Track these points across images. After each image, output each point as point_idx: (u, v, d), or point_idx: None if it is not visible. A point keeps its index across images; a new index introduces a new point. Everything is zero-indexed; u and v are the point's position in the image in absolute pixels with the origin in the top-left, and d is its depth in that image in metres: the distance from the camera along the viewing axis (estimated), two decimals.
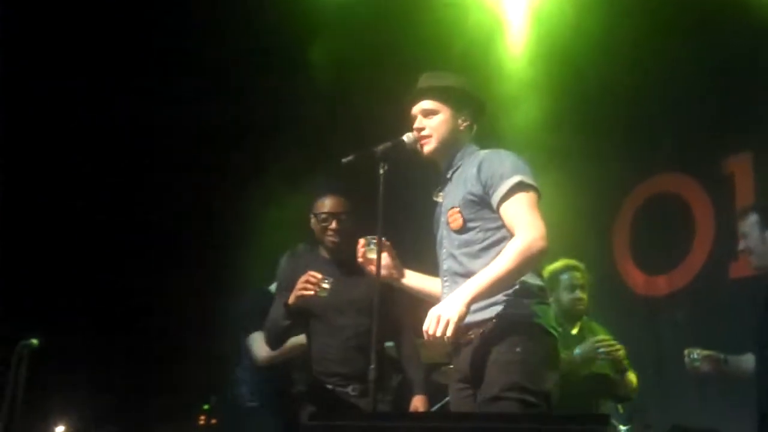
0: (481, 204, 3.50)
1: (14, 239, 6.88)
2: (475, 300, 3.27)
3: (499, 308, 3.41)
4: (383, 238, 3.69)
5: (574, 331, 4.92)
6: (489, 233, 3.49)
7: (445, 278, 3.62)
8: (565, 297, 4.97)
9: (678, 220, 6.72)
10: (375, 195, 3.60)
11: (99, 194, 7.44)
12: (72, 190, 7.33)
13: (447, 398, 4.28)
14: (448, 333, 3.20)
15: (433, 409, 4.55)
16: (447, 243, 3.63)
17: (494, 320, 3.40)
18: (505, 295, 3.41)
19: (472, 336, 3.44)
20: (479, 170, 3.53)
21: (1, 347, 5.37)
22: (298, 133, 7.58)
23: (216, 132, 7.55)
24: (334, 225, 4.54)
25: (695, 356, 4.52)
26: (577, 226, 6.59)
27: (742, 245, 4.67)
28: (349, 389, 4.39)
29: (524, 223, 3.38)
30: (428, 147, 3.70)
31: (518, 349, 3.33)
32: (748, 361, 4.55)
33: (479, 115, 3.80)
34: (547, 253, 3.38)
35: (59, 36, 6.96)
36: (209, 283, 7.32)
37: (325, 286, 4.24)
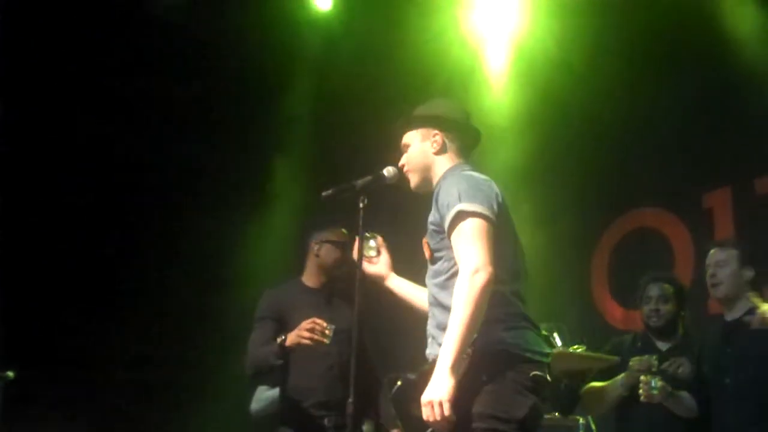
0: (443, 232, 3.43)
1: None
2: (454, 366, 3.17)
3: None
4: (378, 236, 3.76)
5: None
6: (452, 262, 3.39)
7: (429, 308, 3.59)
8: None
9: (657, 254, 6.73)
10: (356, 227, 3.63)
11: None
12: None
13: None
14: (446, 413, 3.14)
15: None
16: (426, 274, 3.61)
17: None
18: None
19: None
20: (436, 199, 3.49)
21: None
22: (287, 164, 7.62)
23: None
24: (340, 255, 4.62)
25: (653, 384, 4.52)
26: (557, 260, 6.63)
27: (713, 272, 4.70)
28: (326, 421, 4.38)
29: (462, 259, 3.29)
30: (411, 181, 3.69)
31: (484, 378, 3.26)
32: (684, 398, 4.63)
33: (461, 133, 3.69)
34: (491, 281, 3.23)
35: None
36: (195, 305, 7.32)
37: (328, 332, 4.25)
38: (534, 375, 3.31)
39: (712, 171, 6.43)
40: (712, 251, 4.78)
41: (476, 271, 3.23)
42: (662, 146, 6.59)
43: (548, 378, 3.40)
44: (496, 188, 3.48)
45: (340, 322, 4.44)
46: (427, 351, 3.50)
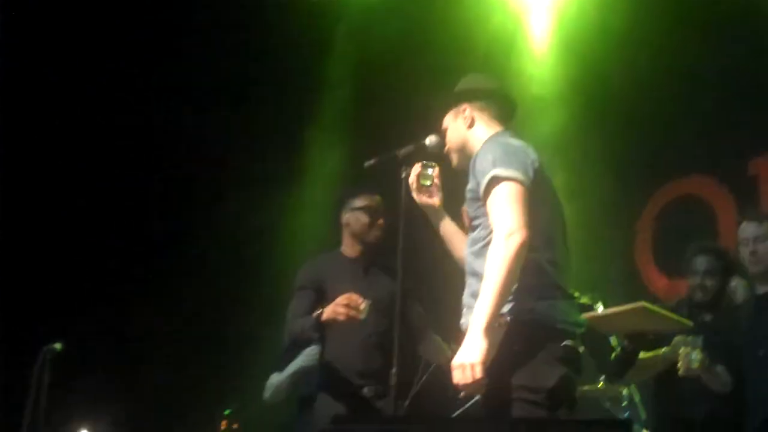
0: (479, 200, 3.41)
1: (34, 246, 6.95)
2: (487, 329, 3.16)
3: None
4: (435, 165, 3.72)
5: None
6: (489, 230, 3.36)
7: (466, 277, 3.57)
8: None
9: (701, 222, 6.66)
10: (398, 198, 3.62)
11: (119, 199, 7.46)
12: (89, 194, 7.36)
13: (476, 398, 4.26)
14: (477, 375, 3.13)
15: (461, 410, 4.51)
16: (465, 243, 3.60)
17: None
18: None
19: None
20: (473, 167, 3.46)
21: (23, 352, 5.38)
22: (326, 133, 7.60)
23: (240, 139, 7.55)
24: (380, 221, 4.59)
25: (693, 356, 4.45)
26: (600, 227, 6.57)
27: (754, 249, 4.62)
28: (365, 390, 4.39)
29: (496, 223, 3.28)
30: (453, 161, 3.68)
31: (516, 348, 3.24)
32: (720, 372, 4.58)
33: (480, 99, 3.65)
34: (526, 243, 3.21)
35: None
36: (232, 285, 7.34)
37: (363, 307, 4.22)
38: (565, 345, 3.29)
39: (758, 137, 6.33)
40: (744, 224, 4.71)
41: (510, 234, 3.21)
42: (706, 113, 6.47)
43: (580, 349, 3.38)
44: (532, 154, 3.45)
45: (379, 291, 4.45)
46: (462, 320, 3.47)
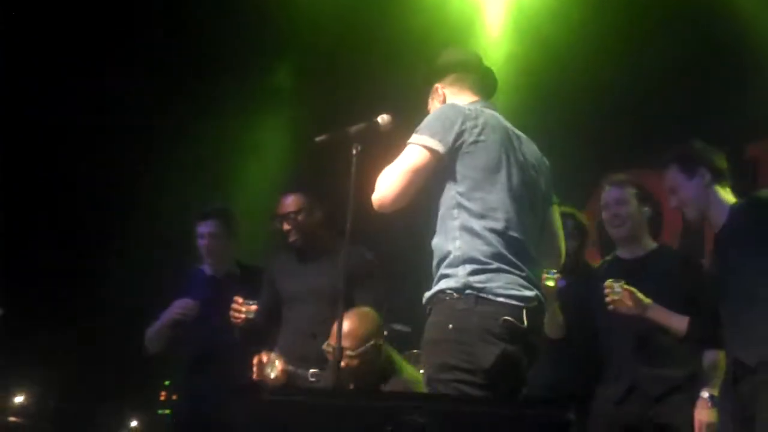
0: None
1: None
2: None
3: (439, 282, 3.23)
4: None
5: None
6: (437, 203, 3.35)
7: None
8: None
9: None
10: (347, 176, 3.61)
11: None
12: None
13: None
14: None
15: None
16: None
17: (435, 295, 3.23)
18: (444, 266, 3.22)
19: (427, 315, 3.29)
20: None
21: None
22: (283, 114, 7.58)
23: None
24: (286, 225, 4.75)
25: (617, 289, 4.25)
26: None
27: (615, 212, 4.59)
28: (309, 374, 4.41)
29: (378, 181, 3.33)
30: None
31: (450, 326, 3.11)
32: (681, 321, 4.27)
33: (448, 73, 3.60)
34: (384, 211, 3.28)
35: None
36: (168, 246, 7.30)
37: (251, 308, 4.55)
38: (505, 320, 3.12)
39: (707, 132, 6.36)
40: (607, 189, 4.69)
41: (377, 198, 3.28)
42: (667, 100, 6.50)
43: (523, 323, 3.16)
44: (471, 115, 3.34)
45: (319, 282, 4.61)
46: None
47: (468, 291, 3.14)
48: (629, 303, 4.24)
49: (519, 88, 6.52)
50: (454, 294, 3.16)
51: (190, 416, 5.16)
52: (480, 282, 3.15)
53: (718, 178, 4.07)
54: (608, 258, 4.81)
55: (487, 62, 3.77)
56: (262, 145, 7.80)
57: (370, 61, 6.99)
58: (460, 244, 3.19)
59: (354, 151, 3.64)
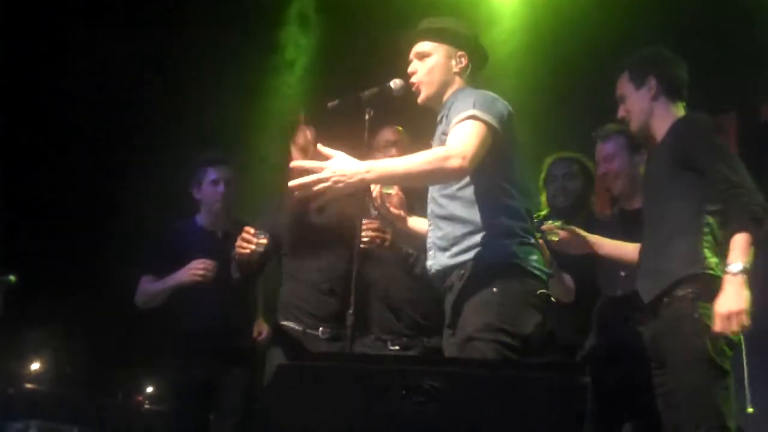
0: None
1: None
2: (379, 178, 3.25)
3: (478, 250, 3.37)
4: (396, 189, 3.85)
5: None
6: None
7: (429, 222, 3.60)
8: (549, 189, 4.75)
9: None
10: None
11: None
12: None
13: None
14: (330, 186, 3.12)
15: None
16: (430, 187, 3.61)
17: (472, 262, 3.37)
18: (484, 237, 3.37)
19: (454, 279, 3.42)
20: (449, 110, 3.48)
21: None
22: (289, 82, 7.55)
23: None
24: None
25: (556, 231, 4.04)
26: None
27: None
28: (319, 332, 4.39)
29: (455, 141, 3.27)
30: (421, 94, 3.64)
31: (495, 290, 3.28)
32: (634, 249, 3.86)
33: (475, 57, 3.68)
34: (463, 175, 3.27)
35: None
36: None
37: (262, 240, 4.21)
38: (541, 293, 3.36)
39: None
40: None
41: (462, 157, 3.20)
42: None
43: (552, 298, 3.44)
44: (509, 108, 3.48)
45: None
46: (429, 263, 3.54)
47: (512, 261, 3.33)
48: (572, 242, 4.06)
49: (532, 48, 6.50)
50: (501, 262, 3.33)
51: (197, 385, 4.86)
52: (522, 253, 3.36)
53: (670, 90, 3.73)
54: (615, 210, 4.67)
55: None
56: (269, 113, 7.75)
57: (383, 26, 6.95)
58: (504, 220, 3.37)
59: (367, 116, 3.64)
